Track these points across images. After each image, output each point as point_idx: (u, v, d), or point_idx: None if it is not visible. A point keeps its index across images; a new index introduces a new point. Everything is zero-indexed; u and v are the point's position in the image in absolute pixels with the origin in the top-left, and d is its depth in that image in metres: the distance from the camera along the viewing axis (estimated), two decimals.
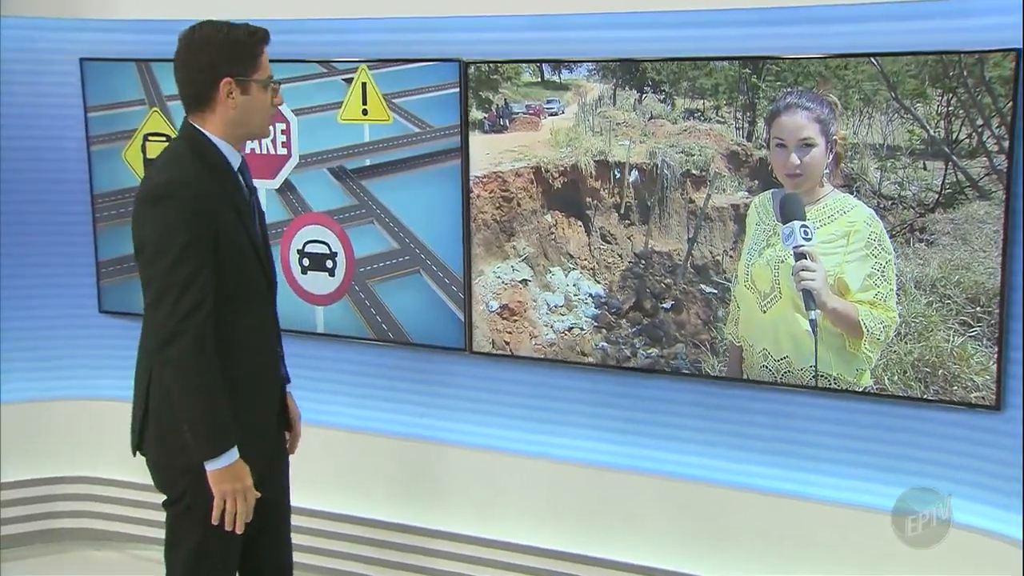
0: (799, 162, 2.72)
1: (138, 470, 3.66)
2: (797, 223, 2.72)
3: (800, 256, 2.72)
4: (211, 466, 2.16)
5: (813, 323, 2.73)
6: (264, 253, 2.36)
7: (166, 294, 2.10)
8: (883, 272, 2.68)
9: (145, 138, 3.56)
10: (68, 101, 3.58)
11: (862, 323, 2.70)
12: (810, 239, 2.71)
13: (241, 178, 2.31)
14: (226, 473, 2.16)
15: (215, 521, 2.19)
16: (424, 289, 3.25)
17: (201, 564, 2.28)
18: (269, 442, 2.40)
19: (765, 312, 2.83)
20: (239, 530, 2.21)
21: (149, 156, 3.56)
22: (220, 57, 2.17)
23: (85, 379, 3.74)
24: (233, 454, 2.17)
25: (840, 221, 2.71)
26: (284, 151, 3.37)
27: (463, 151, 3.12)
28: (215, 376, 2.12)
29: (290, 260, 3.44)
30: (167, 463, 2.27)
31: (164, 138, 3.53)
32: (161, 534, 3.59)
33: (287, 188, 3.40)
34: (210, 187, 2.18)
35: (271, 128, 2.30)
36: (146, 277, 2.16)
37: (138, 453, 2.37)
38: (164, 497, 2.33)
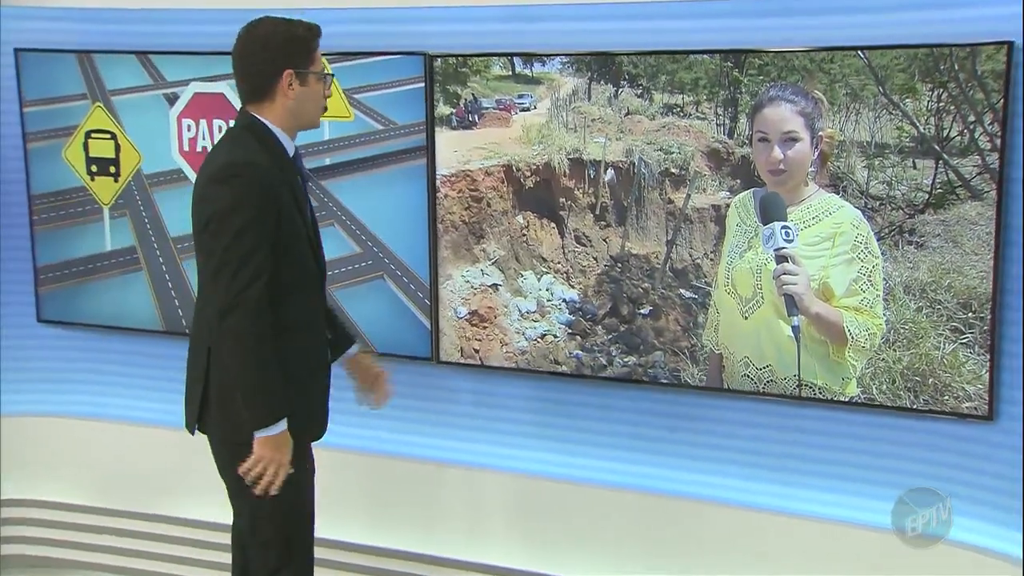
0: (782, 157, 2.61)
1: (82, 491, 3.58)
2: (778, 224, 2.61)
3: (782, 259, 2.61)
4: (260, 433, 2.28)
5: (796, 329, 2.63)
6: (316, 240, 2.47)
7: (225, 267, 2.23)
8: (869, 277, 2.58)
9: (87, 135, 3.43)
10: (2, 95, 3.44)
11: (847, 330, 2.60)
12: (792, 241, 2.60)
13: (295, 166, 2.45)
14: (271, 441, 2.28)
15: (246, 479, 2.29)
16: (388, 296, 3.15)
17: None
18: (318, 424, 2.51)
19: (746, 318, 2.71)
20: (258, 492, 2.31)
21: (92, 154, 3.44)
22: (282, 51, 2.33)
23: (21, 393, 3.60)
24: (282, 425, 2.30)
25: (825, 223, 2.61)
26: None
27: (429, 149, 3.01)
28: (269, 348, 2.25)
29: None
30: (235, 438, 2.34)
31: (109, 135, 3.41)
32: (108, 560, 3.52)
33: None
34: (272, 168, 2.32)
35: (321, 120, 2.53)
36: (208, 250, 2.29)
37: (195, 432, 2.46)
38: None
